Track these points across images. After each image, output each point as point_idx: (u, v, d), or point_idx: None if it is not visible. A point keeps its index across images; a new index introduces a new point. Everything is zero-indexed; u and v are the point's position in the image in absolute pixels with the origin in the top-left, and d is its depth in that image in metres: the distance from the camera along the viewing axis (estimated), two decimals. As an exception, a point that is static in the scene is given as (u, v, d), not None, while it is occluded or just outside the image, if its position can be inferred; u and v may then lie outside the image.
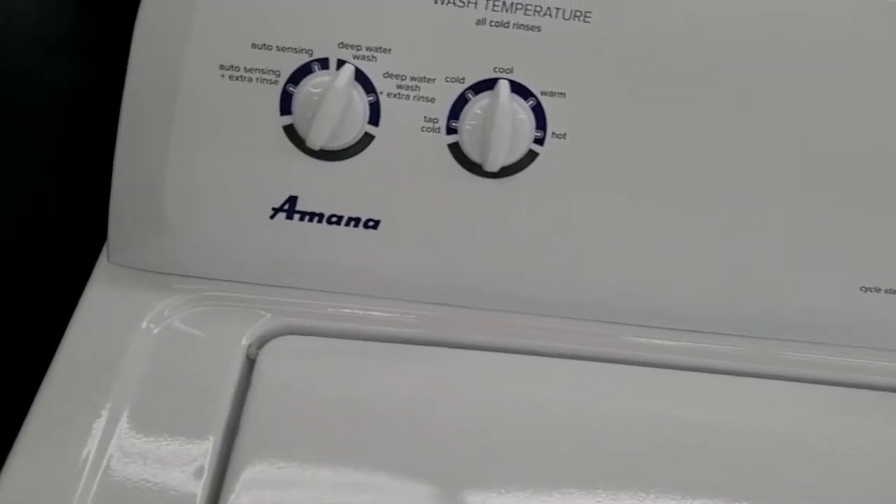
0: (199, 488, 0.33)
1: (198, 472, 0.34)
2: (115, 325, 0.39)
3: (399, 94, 0.37)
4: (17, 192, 0.42)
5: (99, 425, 0.34)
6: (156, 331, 0.39)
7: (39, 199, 0.44)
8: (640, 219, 0.39)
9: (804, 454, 0.38)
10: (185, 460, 0.34)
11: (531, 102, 0.38)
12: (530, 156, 0.38)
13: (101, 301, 0.40)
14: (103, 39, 0.44)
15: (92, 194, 0.44)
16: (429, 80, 0.37)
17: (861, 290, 0.41)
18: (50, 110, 0.44)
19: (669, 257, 0.40)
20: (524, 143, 0.38)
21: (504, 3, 0.36)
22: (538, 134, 0.38)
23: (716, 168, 0.39)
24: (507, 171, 0.38)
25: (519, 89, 0.37)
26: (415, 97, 0.37)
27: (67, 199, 0.47)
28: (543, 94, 0.37)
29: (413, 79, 0.37)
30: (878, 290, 0.41)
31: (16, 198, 0.42)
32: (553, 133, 0.38)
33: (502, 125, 0.36)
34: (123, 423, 0.35)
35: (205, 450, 0.34)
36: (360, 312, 0.41)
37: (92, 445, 0.34)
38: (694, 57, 0.37)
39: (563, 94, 0.37)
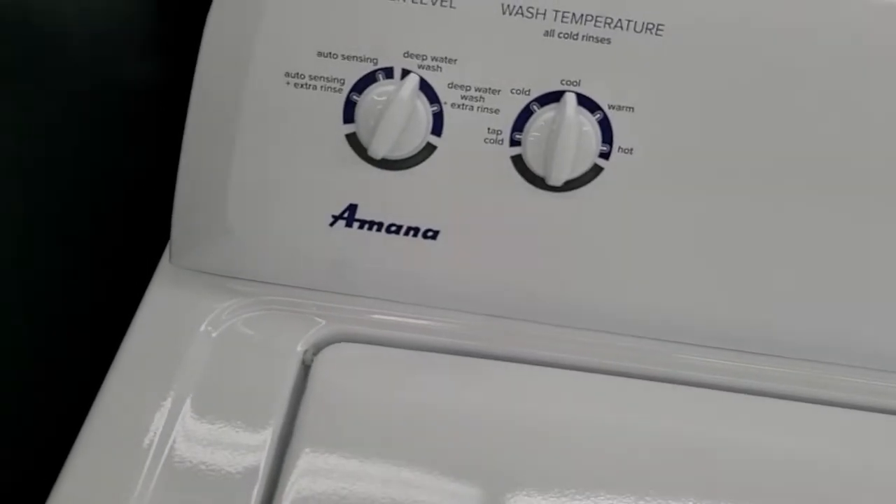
0: (254, 490, 0.33)
1: (252, 474, 0.34)
2: (174, 327, 0.39)
3: (463, 104, 0.37)
4: (88, 191, 0.43)
5: (157, 424, 0.35)
6: (214, 334, 0.39)
7: (109, 197, 0.45)
8: (706, 236, 0.38)
9: (859, 484, 0.36)
10: (242, 461, 0.34)
11: (598, 116, 0.37)
12: (595, 170, 0.37)
13: (162, 302, 0.40)
14: (180, 42, 0.44)
15: (158, 194, 0.45)
16: (494, 92, 0.37)
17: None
18: (124, 111, 0.44)
19: (738, 276, 0.39)
20: (589, 158, 0.37)
21: (573, 14, 0.35)
22: (604, 148, 0.37)
23: (789, 185, 0.37)
24: (570, 185, 0.38)
25: (586, 102, 0.36)
26: (479, 108, 0.37)
27: (135, 198, 0.47)
28: (611, 107, 0.37)
29: (478, 90, 0.37)
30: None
31: (88, 196, 0.43)
32: (619, 147, 0.37)
33: (567, 139, 0.35)
34: (182, 423, 0.35)
35: (260, 453, 0.35)
36: (416, 322, 0.40)
37: (153, 440, 0.34)
38: (768, 71, 0.36)
39: (631, 109, 0.36)
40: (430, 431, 0.36)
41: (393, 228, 0.39)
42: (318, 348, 0.39)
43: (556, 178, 0.36)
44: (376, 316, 0.41)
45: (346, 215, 0.39)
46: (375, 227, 0.39)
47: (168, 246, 0.41)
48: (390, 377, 0.39)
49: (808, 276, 0.39)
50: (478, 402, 0.38)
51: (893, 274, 0.39)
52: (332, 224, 0.39)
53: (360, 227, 0.39)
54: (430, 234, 0.39)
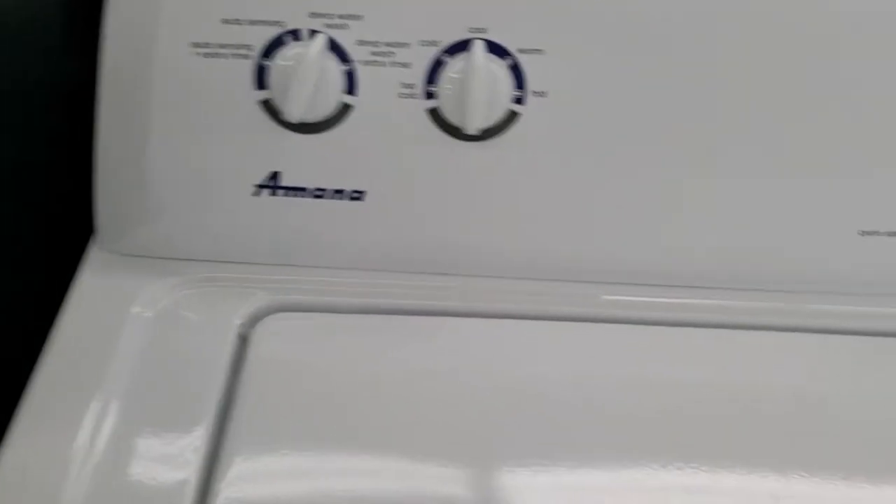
0: (192, 473, 0.33)
1: (190, 457, 0.33)
2: (106, 312, 0.38)
3: (374, 61, 0.37)
4: (13, 188, 0.43)
5: (92, 412, 0.34)
6: (147, 315, 0.39)
7: (36, 192, 0.45)
8: (626, 174, 0.39)
9: (814, 406, 0.37)
10: (178, 445, 0.34)
11: (508, 61, 0.37)
12: (511, 116, 0.38)
13: (92, 288, 0.40)
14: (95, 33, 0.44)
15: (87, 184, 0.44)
16: (403, 46, 0.37)
17: (860, 234, 0.40)
18: (46, 106, 0.44)
19: (659, 213, 0.39)
20: (503, 104, 0.37)
21: (473, -40, 0.36)
22: (518, 93, 0.37)
23: (702, 119, 0.38)
24: (489, 133, 0.38)
25: (495, 49, 0.37)
26: (390, 63, 0.37)
27: (64, 190, 0.47)
28: (521, 51, 0.37)
29: (387, 45, 0.37)
30: (877, 234, 0.40)
31: (12, 193, 0.43)
32: (533, 91, 0.37)
33: (477, 86, 0.36)
34: (116, 409, 0.35)
35: (197, 434, 0.34)
36: (352, 285, 0.40)
37: (85, 432, 0.34)
38: (672, 5, 0.37)
39: (540, 51, 0.37)
40: (376, 398, 0.35)
41: (318, 192, 0.39)
42: (255, 320, 0.39)
43: (472, 127, 0.37)
44: (312, 283, 0.41)
45: (270, 183, 0.39)
46: (300, 193, 0.39)
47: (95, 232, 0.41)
48: (331, 343, 0.39)
49: (725, 209, 0.39)
50: (421, 361, 0.37)
51: (833, 196, 0.39)
52: (256, 194, 0.39)
53: (286, 193, 0.39)
54: (356, 194, 0.39)
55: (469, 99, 0.36)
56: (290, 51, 0.36)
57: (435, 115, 0.38)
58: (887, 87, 0.38)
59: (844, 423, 0.36)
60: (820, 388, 0.37)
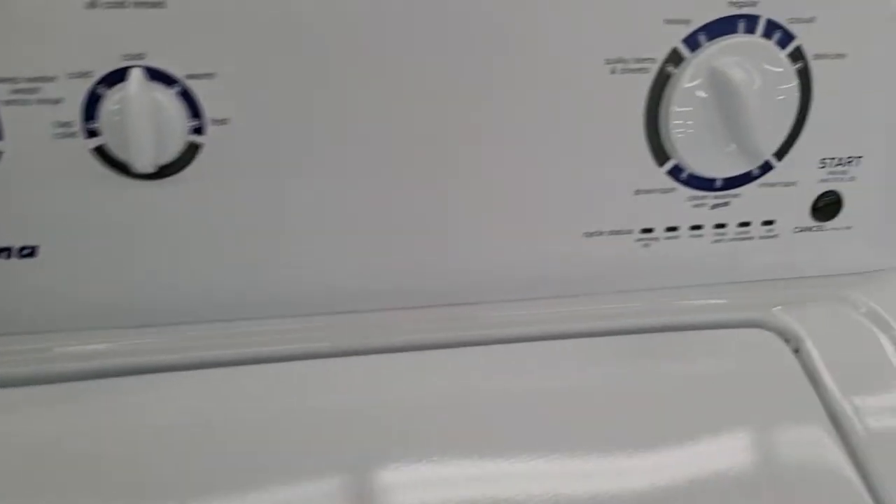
0: None
1: None
2: None
3: (17, 100, 0.32)
4: None
5: None
6: None
7: None
8: (323, 195, 0.36)
9: (573, 408, 0.36)
10: None
11: (177, 88, 0.33)
12: (192, 148, 0.34)
13: None
14: None
15: None
16: (49, 80, 0.32)
17: (585, 235, 0.39)
18: None
19: (366, 234, 0.37)
20: (178, 136, 0.33)
21: (110, -21, 0.31)
22: (195, 123, 0.34)
23: (388, 133, 0.35)
24: (170, 169, 0.34)
25: (159, 76, 0.33)
26: (37, 101, 0.32)
27: None
28: (189, 77, 0.33)
29: (29, 80, 0.32)
30: (600, 234, 0.39)
31: None
32: (212, 119, 0.34)
33: (137, 120, 0.32)
34: None
35: None
36: (37, 352, 0.36)
37: None
38: (337, 21, 0.34)
39: (211, 75, 0.33)
40: (63, 473, 0.32)
41: (-20, 253, 0.34)
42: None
43: (142, 164, 0.33)
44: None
45: (-85, 249, 0.34)
46: (-43, 257, 0.34)
47: None
48: (9, 422, 0.34)
49: (439, 218, 0.37)
50: (107, 425, 0.33)
51: (555, 201, 0.38)
52: None
53: (-62, 259, 0.34)
54: (26, 251, 0.34)
55: (131, 134, 0.32)
56: None
57: (102, 153, 0.33)
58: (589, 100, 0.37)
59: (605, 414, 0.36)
60: (573, 388, 0.37)
